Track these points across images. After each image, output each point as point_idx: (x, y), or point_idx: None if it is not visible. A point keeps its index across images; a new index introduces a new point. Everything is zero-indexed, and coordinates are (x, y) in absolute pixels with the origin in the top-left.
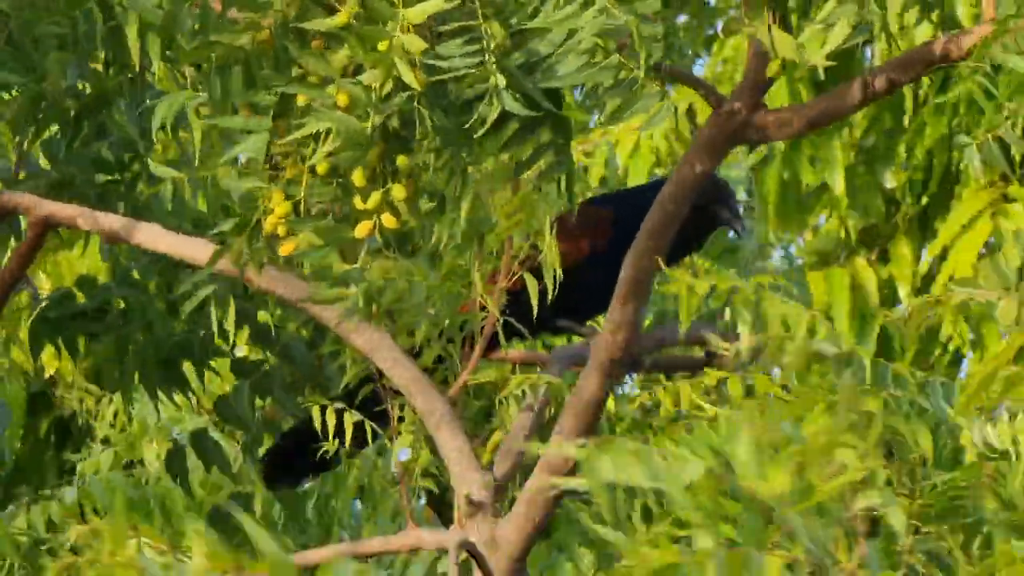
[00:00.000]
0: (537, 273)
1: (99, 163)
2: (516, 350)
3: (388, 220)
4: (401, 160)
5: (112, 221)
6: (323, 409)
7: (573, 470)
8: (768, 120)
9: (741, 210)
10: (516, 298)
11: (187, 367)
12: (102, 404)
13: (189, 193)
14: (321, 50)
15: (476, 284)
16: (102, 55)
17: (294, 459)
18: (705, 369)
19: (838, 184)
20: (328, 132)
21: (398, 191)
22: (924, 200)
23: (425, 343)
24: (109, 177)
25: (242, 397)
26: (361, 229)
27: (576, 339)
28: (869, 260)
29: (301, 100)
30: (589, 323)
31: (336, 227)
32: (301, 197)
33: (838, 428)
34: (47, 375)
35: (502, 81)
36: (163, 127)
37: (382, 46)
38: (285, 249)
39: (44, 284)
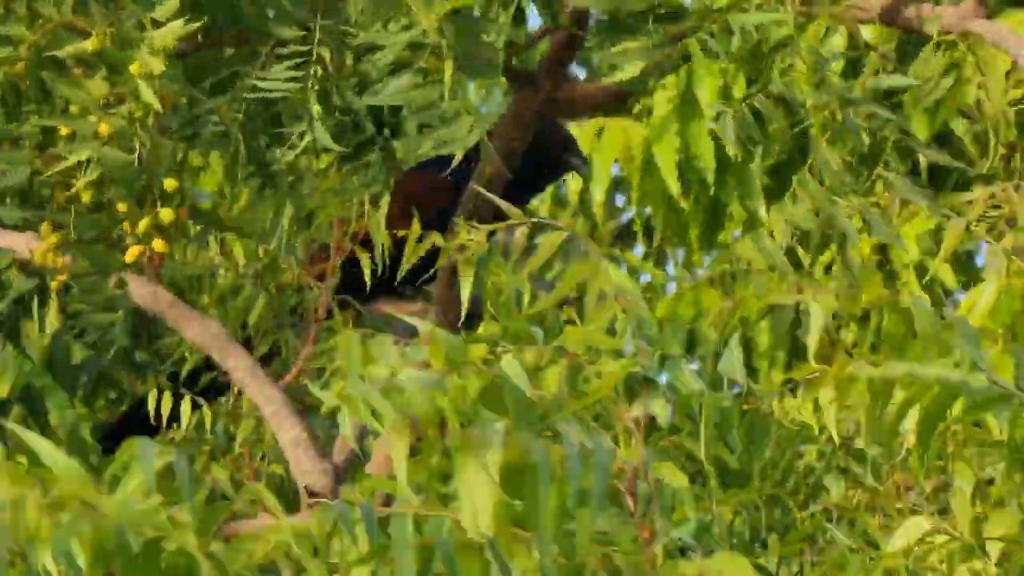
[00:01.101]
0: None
1: None
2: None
3: (158, 244)
4: (170, 183)
5: None
6: (160, 392)
7: (411, 453)
8: (575, 94)
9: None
10: (348, 270)
11: None
12: None
13: None
14: (79, 79)
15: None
16: None
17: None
18: None
19: (762, 210)
20: (89, 161)
21: (166, 215)
22: None
23: (260, 330)
24: None
25: (61, 347)
26: (130, 254)
27: None
28: None
29: (64, 131)
30: None
31: (105, 252)
32: (70, 226)
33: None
34: None
35: (317, 111)
36: None
37: (134, 68)
38: (57, 279)
39: None
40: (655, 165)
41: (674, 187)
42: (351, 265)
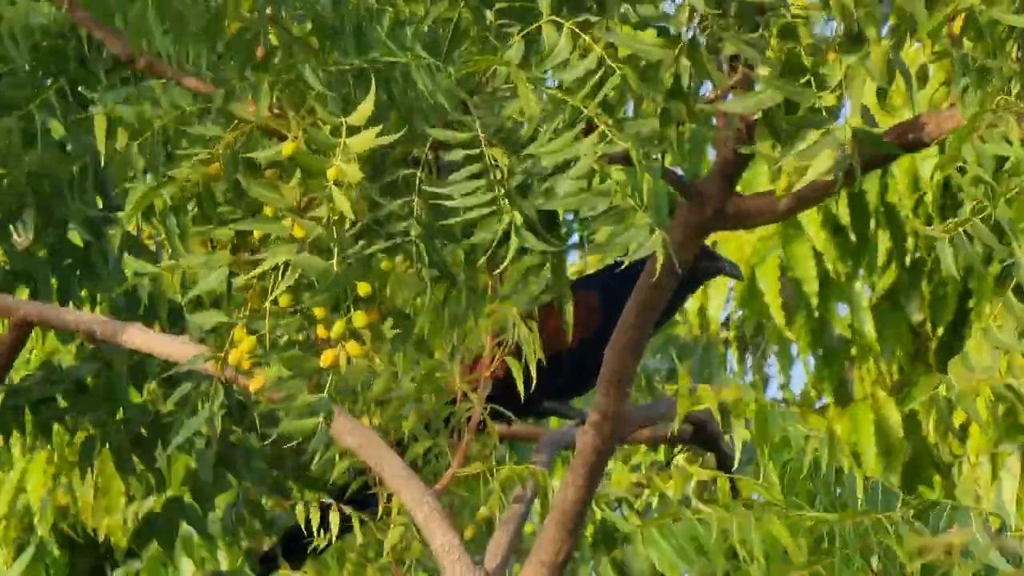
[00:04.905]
0: (521, 356)
1: (61, 247)
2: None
3: (353, 348)
4: (363, 287)
5: (91, 321)
6: (307, 505)
7: (565, 563)
8: (744, 206)
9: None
10: (501, 383)
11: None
12: None
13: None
14: (274, 181)
15: (455, 375)
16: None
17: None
18: (697, 467)
19: (869, 329)
20: (287, 265)
21: (359, 319)
22: (940, 330)
23: (412, 436)
24: (69, 260)
25: (206, 465)
26: (326, 358)
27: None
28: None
29: (258, 233)
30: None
31: (302, 357)
32: (265, 331)
33: None
34: None
35: (519, 219)
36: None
37: (331, 174)
38: (254, 384)
39: None
40: (758, 289)
41: (779, 316)
42: (507, 378)
